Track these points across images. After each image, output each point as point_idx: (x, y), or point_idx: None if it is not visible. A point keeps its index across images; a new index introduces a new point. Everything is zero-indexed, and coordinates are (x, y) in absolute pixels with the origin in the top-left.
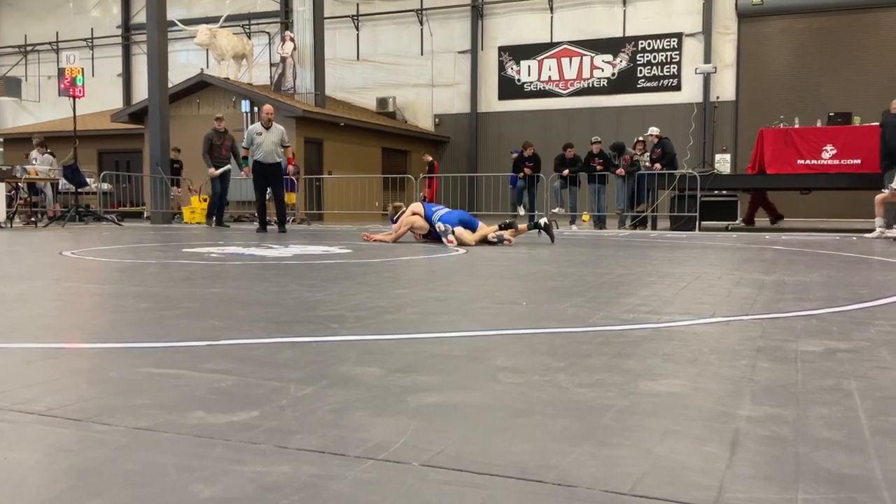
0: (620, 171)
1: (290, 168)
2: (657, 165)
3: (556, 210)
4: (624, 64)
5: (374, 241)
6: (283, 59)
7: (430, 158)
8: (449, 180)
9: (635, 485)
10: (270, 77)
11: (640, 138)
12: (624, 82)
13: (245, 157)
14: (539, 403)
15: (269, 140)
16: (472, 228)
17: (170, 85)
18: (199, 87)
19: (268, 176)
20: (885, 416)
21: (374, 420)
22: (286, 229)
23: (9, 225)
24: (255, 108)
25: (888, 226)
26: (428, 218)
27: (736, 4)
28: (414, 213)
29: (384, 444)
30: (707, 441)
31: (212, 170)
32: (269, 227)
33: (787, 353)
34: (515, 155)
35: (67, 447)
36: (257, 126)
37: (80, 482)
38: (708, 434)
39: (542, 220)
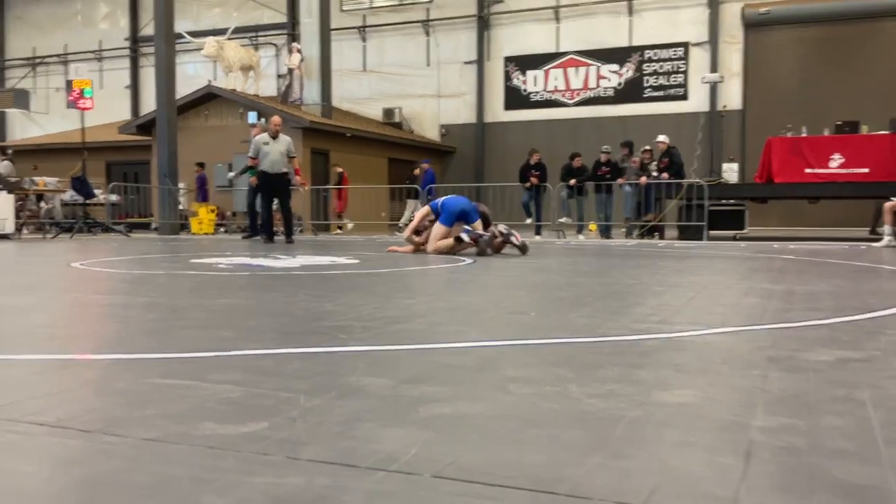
0: (621, 180)
1: (297, 178)
2: (665, 175)
3: (563, 219)
4: (630, 73)
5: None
6: (290, 71)
7: (340, 169)
8: (455, 190)
9: (649, 496)
10: (277, 88)
11: (647, 147)
12: (630, 92)
13: (252, 167)
14: (550, 414)
15: (275, 150)
16: (470, 222)
17: (178, 96)
18: (207, 98)
19: (274, 186)
20: None
21: (385, 431)
22: (293, 240)
23: (18, 236)
24: (263, 120)
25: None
26: (435, 210)
27: (742, 14)
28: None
29: (395, 456)
30: (721, 452)
31: (244, 178)
32: (276, 238)
33: (799, 363)
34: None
35: (77, 459)
36: (264, 136)
37: (89, 494)
38: (721, 445)
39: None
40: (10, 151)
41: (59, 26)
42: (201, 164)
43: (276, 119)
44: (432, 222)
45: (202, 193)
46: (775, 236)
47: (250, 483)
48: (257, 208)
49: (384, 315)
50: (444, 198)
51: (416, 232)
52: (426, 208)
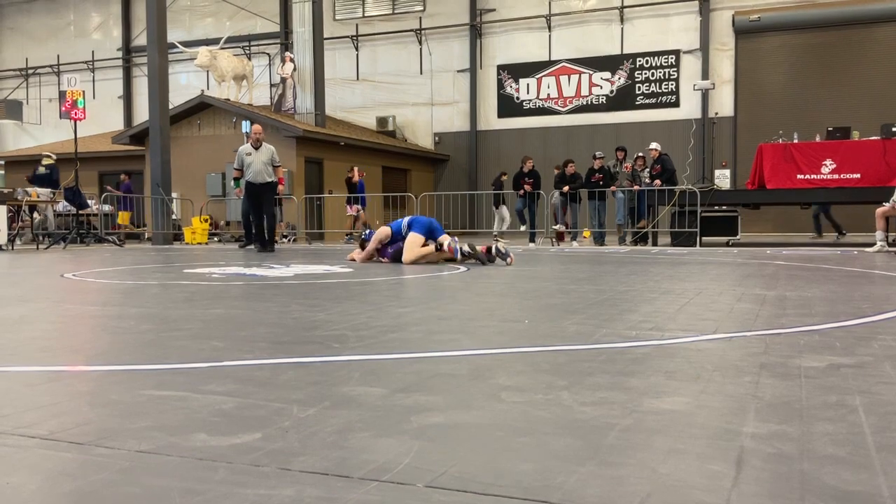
0: (613, 188)
1: (280, 188)
2: (657, 182)
3: (556, 227)
4: (622, 81)
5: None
6: (283, 80)
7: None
8: (449, 198)
9: None
10: (271, 97)
11: (640, 154)
12: (622, 99)
13: (237, 178)
14: (542, 422)
15: (258, 160)
16: (437, 236)
17: (170, 106)
18: (200, 108)
19: (258, 195)
20: (891, 431)
21: (377, 441)
22: (274, 248)
23: (10, 247)
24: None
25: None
26: (397, 233)
27: (733, 21)
28: (383, 233)
29: (387, 466)
30: (712, 459)
31: (238, 191)
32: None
33: (791, 369)
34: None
35: (69, 471)
36: (247, 147)
37: None
38: (713, 452)
39: (496, 246)
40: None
41: (52, 37)
42: (128, 174)
43: (256, 128)
44: (385, 246)
45: (126, 202)
46: (768, 242)
47: (241, 494)
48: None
49: (378, 324)
50: (406, 218)
51: (363, 246)
52: (386, 230)
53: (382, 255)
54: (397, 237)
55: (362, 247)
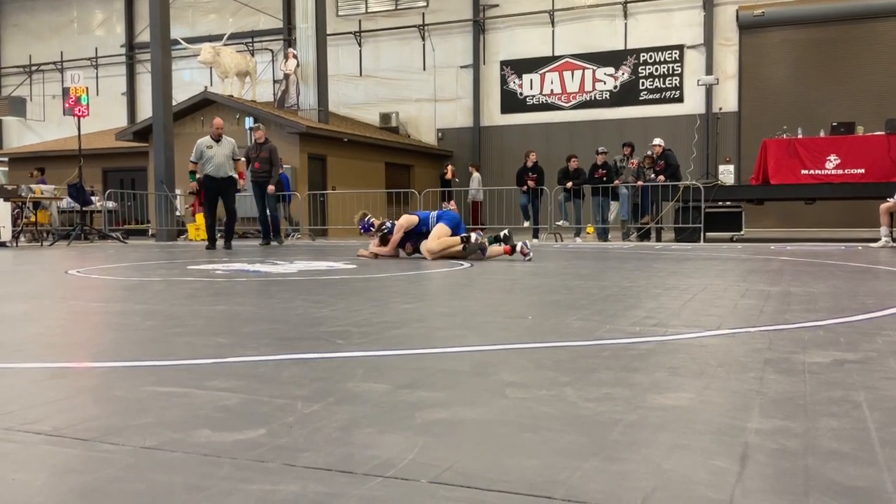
0: (616, 182)
1: (241, 182)
2: (661, 177)
3: (560, 223)
4: (626, 76)
5: (369, 255)
6: (287, 76)
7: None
8: (452, 194)
9: (644, 500)
10: (274, 94)
11: (648, 153)
12: (626, 95)
13: (192, 172)
14: (546, 418)
15: (219, 153)
16: (459, 234)
17: (174, 103)
18: (203, 104)
19: (219, 190)
20: (895, 427)
21: (382, 437)
22: (232, 246)
23: (14, 244)
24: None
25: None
26: (424, 223)
27: (737, 16)
28: (409, 220)
29: (392, 462)
30: (716, 455)
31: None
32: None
33: (795, 365)
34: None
35: (74, 467)
36: (207, 139)
37: (86, 503)
38: (717, 448)
39: (503, 233)
40: None
41: (56, 34)
42: (41, 170)
43: (217, 121)
44: (385, 239)
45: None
46: (772, 238)
47: (246, 490)
48: (275, 212)
49: (382, 320)
50: (434, 211)
51: (384, 241)
52: (413, 217)
53: (402, 245)
54: (423, 227)
55: (384, 241)
